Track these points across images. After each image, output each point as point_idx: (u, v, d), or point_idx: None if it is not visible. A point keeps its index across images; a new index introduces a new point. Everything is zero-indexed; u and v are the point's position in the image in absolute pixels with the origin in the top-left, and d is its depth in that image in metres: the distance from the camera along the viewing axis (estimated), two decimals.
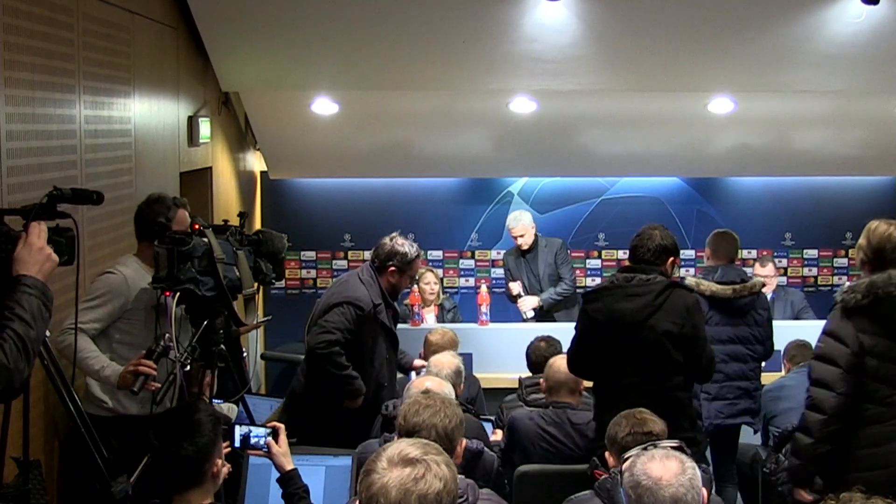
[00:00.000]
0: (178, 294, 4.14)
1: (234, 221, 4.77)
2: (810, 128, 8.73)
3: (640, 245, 4.79)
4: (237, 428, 3.67)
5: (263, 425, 3.74)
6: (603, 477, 3.66)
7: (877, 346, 3.97)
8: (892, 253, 4.02)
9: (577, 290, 8.01)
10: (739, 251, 6.58)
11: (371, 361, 5.44)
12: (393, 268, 5.38)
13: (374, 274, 5.47)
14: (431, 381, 4.34)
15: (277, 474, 3.66)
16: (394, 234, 5.47)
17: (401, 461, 2.24)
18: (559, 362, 5.08)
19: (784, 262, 9.53)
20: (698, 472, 2.99)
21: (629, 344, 4.57)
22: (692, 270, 8.77)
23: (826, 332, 4.13)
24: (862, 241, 4.16)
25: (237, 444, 3.67)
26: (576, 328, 4.88)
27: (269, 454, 3.66)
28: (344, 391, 5.34)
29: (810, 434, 4.10)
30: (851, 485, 3.69)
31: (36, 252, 2.90)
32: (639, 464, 2.99)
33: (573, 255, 9.49)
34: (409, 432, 3.41)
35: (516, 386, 5.97)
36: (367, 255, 9.39)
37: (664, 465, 2.97)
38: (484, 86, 7.66)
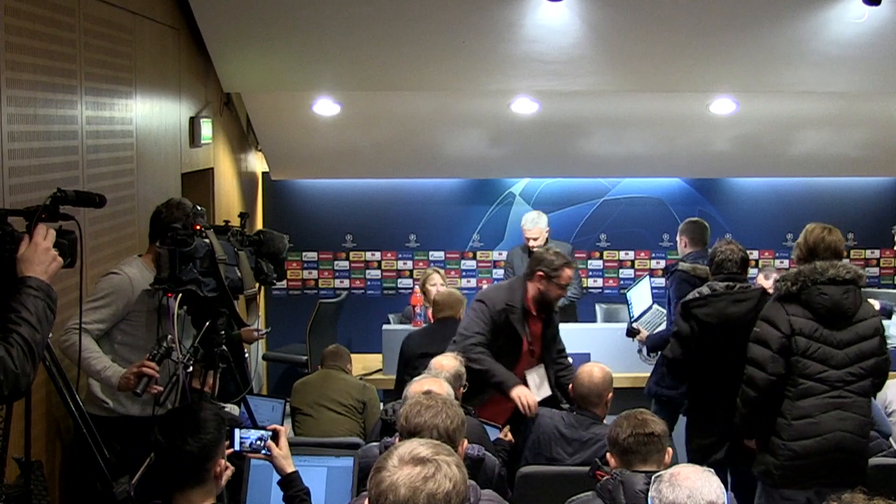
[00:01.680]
0: (180, 295, 4.14)
1: (236, 222, 4.77)
2: (812, 128, 8.73)
3: (727, 259, 5.37)
4: (237, 431, 3.67)
5: (264, 428, 3.73)
6: (605, 478, 3.66)
7: (805, 328, 4.59)
8: (823, 252, 4.71)
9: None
10: None
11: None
12: (540, 273, 5.47)
13: (523, 280, 5.58)
14: (431, 382, 4.33)
15: (278, 476, 3.66)
16: (551, 245, 5.58)
17: (411, 460, 2.23)
18: (584, 373, 5.12)
19: (786, 262, 9.52)
20: (722, 487, 3.03)
21: (739, 343, 4.94)
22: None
23: (762, 318, 4.78)
24: (800, 240, 4.85)
25: (237, 447, 3.67)
26: (674, 335, 5.46)
27: (269, 457, 3.66)
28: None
29: (746, 405, 4.77)
30: (782, 451, 4.61)
31: (42, 252, 2.91)
32: (668, 471, 3.08)
33: (575, 255, 9.51)
34: (411, 433, 3.41)
35: None
36: (369, 255, 9.55)
37: (688, 469, 3.07)
38: (486, 86, 7.66)
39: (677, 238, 6.81)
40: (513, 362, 5.48)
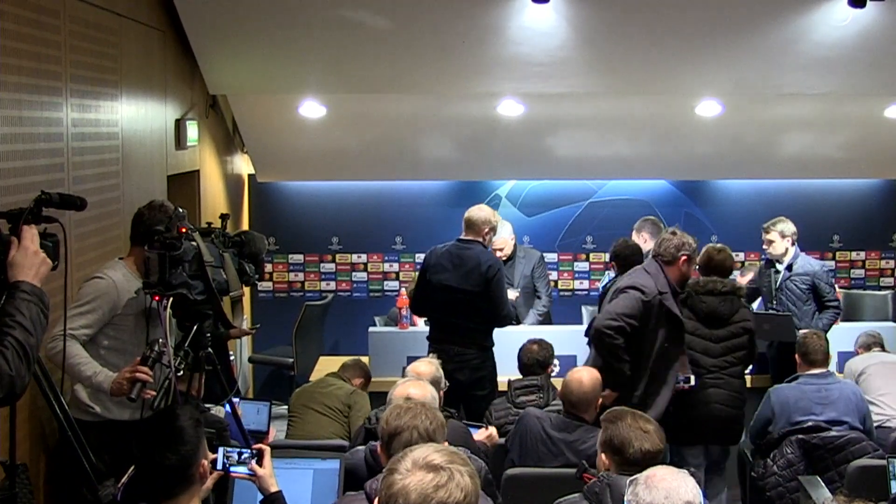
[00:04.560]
0: (171, 299, 4.11)
1: (217, 224, 4.75)
2: (797, 131, 8.77)
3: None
4: (221, 450, 3.63)
5: (249, 447, 3.69)
6: (592, 481, 3.66)
7: (688, 325, 5.79)
8: (712, 269, 6.01)
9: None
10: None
11: (647, 348, 5.60)
12: (685, 257, 5.69)
13: (660, 266, 5.70)
14: (414, 385, 4.33)
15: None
16: (673, 228, 5.87)
17: (425, 465, 2.20)
18: (573, 381, 5.08)
19: None
20: (698, 487, 3.03)
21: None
22: None
23: None
24: (699, 257, 6.04)
25: (220, 466, 3.61)
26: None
27: (252, 477, 3.62)
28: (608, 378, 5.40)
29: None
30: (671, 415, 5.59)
31: (31, 256, 2.90)
32: (643, 474, 3.07)
33: (561, 257, 9.53)
34: (392, 435, 3.43)
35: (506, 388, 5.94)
36: (355, 258, 9.54)
37: (664, 471, 3.06)
38: (472, 89, 7.67)
39: (635, 236, 7.33)
40: (678, 353, 5.70)
